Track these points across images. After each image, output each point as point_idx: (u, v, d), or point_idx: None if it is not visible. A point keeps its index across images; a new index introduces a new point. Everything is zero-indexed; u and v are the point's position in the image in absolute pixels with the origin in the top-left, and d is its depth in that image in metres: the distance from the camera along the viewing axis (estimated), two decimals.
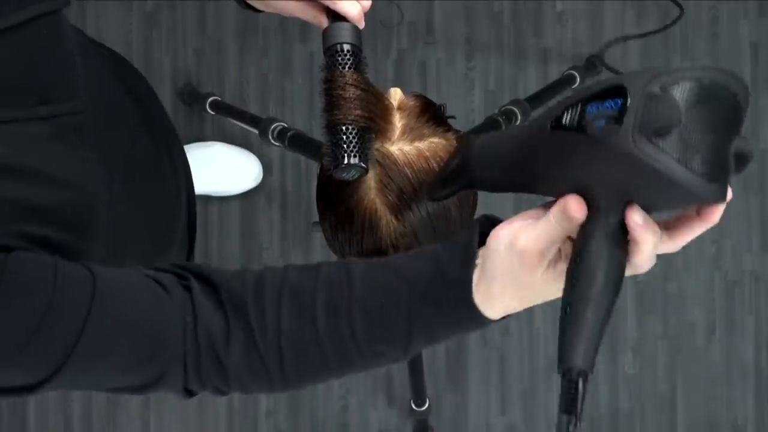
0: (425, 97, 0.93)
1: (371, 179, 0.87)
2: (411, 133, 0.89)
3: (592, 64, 1.89)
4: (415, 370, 1.71)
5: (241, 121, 1.76)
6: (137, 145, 0.93)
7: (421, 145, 0.89)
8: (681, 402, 1.94)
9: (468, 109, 1.94)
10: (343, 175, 0.82)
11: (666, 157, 0.55)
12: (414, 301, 0.69)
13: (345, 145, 0.80)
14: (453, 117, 0.96)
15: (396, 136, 0.88)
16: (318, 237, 1.91)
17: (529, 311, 1.93)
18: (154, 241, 0.95)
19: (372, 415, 1.94)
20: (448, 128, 0.92)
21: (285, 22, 1.90)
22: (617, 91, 0.57)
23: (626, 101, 0.56)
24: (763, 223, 1.94)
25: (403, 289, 0.70)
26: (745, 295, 1.94)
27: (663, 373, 1.94)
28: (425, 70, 1.94)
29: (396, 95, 0.92)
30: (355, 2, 0.84)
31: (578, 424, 0.61)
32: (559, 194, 0.63)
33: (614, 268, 0.61)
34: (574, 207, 0.61)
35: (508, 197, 1.93)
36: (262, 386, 0.74)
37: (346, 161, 0.80)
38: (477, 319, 0.69)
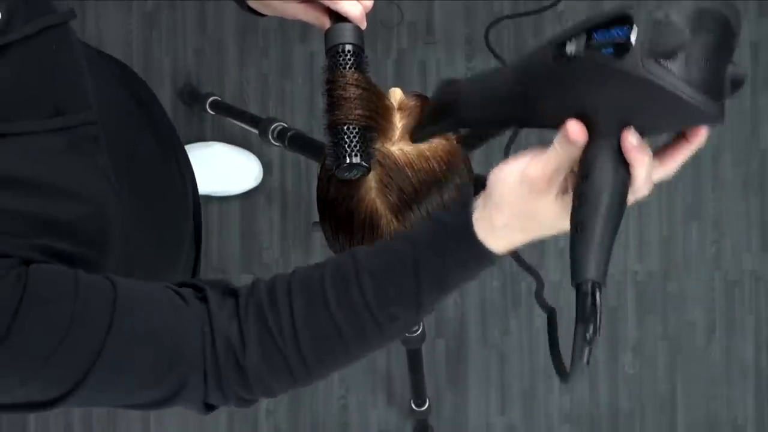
0: (426, 97, 0.93)
1: (372, 179, 0.87)
2: None
3: None
4: (415, 369, 1.71)
5: (241, 121, 1.76)
6: (145, 152, 0.93)
7: (422, 145, 0.89)
8: (681, 402, 1.94)
9: None
10: (345, 174, 0.82)
11: (673, 77, 0.58)
12: (419, 252, 0.71)
13: (347, 145, 0.80)
14: None
15: (397, 136, 0.89)
16: (318, 237, 1.91)
17: (529, 311, 1.93)
18: (163, 248, 0.95)
19: (372, 415, 1.94)
20: None
21: (285, 22, 1.90)
22: (622, 20, 0.60)
23: (632, 28, 0.59)
24: (763, 223, 1.94)
25: (406, 247, 0.72)
26: (745, 295, 1.94)
27: (663, 373, 1.94)
28: (425, 70, 1.94)
29: (396, 95, 0.92)
30: (357, 2, 0.85)
31: (597, 333, 0.67)
32: (559, 125, 0.65)
33: (619, 186, 0.65)
34: (575, 131, 0.63)
35: None
36: (283, 381, 0.74)
37: (348, 161, 0.80)
38: (482, 254, 0.70)
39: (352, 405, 1.94)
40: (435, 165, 0.88)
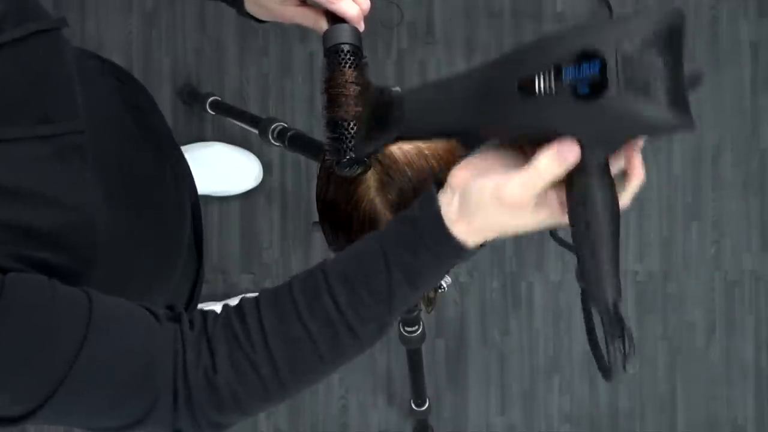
0: None
1: (371, 178, 0.87)
2: None
3: None
4: (415, 369, 1.71)
5: (241, 121, 1.76)
6: (138, 162, 0.91)
7: (421, 143, 0.89)
8: (681, 402, 1.94)
9: None
10: (345, 170, 0.82)
11: (654, 106, 0.60)
12: (389, 251, 0.71)
13: (347, 140, 0.80)
14: None
15: None
16: (318, 237, 1.91)
17: (529, 311, 1.93)
18: (158, 257, 0.94)
19: (372, 415, 1.94)
20: None
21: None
22: (589, 54, 0.61)
23: (602, 63, 0.61)
24: (763, 223, 1.94)
25: (375, 247, 0.71)
26: (745, 295, 1.94)
27: (663, 373, 1.94)
28: (425, 70, 1.94)
29: None
30: (354, 4, 0.85)
31: (632, 346, 0.73)
32: (519, 143, 0.68)
33: (614, 205, 0.68)
34: (571, 154, 0.65)
35: None
36: (256, 395, 0.72)
37: (348, 156, 0.80)
38: (457, 247, 0.70)
39: (352, 405, 1.94)
40: (434, 163, 0.88)
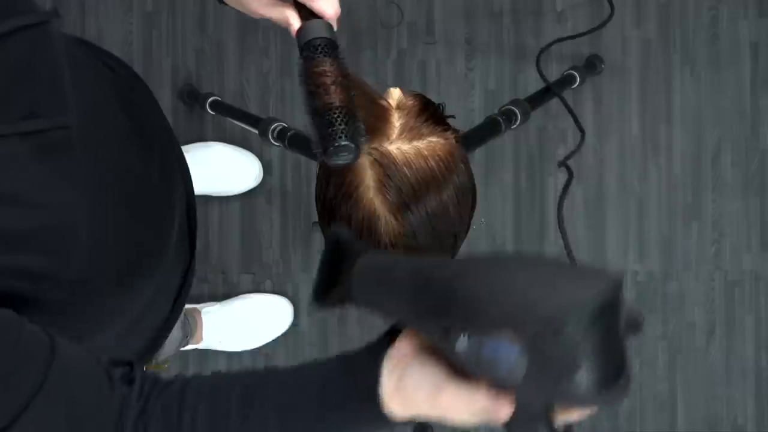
0: (424, 97, 0.94)
1: (370, 178, 0.87)
2: (410, 133, 0.89)
3: (591, 64, 1.89)
4: None
5: (241, 121, 1.76)
6: (127, 159, 0.90)
7: (420, 144, 0.89)
8: (681, 402, 1.94)
9: (468, 109, 1.94)
10: (335, 158, 0.80)
11: (582, 393, 0.57)
12: (325, 400, 0.70)
13: (334, 126, 0.79)
14: (452, 117, 0.96)
15: (395, 136, 0.89)
16: (318, 237, 1.91)
17: None
18: (141, 256, 0.93)
19: None
20: (447, 127, 0.93)
21: None
22: (509, 335, 0.58)
23: (523, 350, 0.57)
24: (763, 223, 1.94)
25: (314, 391, 0.70)
26: (745, 295, 1.94)
27: (663, 373, 1.94)
28: (425, 70, 1.94)
29: (395, 95, 0.92)
30: (333, 3, 0.85)
31: None
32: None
33: None
34: (503, 412, 0.63)
35: (508, 198, 1.93)
36: None
37: (336, 143, 0.79)
38: (383, 419, 0.69)
39: None
40: (433, 164, 0.88)
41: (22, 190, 0.70)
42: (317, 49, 0.83)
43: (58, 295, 0.75)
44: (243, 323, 1.88)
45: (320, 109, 0.80)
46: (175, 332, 1.29)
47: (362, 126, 0.81)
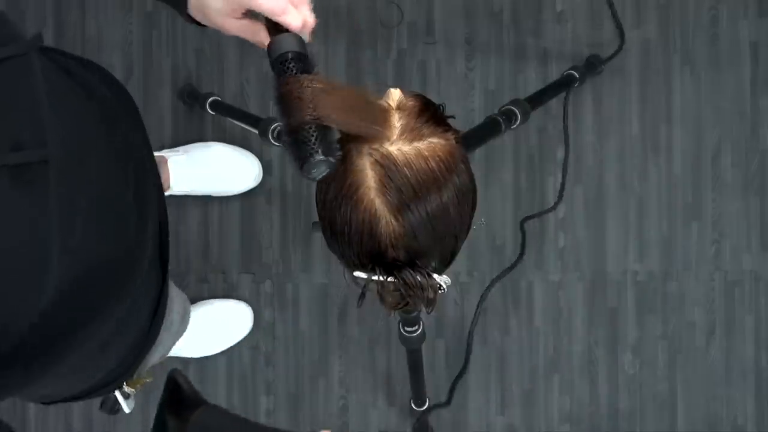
0: (424, 97, 0.94)
1: (371, 179, 0.87)
2: (410, 133, 0.89)
3: (591, 64, 1.89)
4: (415, 369, 1.71)
5: (241, 121, 1.76)
6: (104, 186, 0.88)
7: (420, 145, 0.89)
8: (681, 402, 1.94)
9: (468, 109, 1.94)
10: (313, 173, 0.82)
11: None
12: None
13: (309, 143, 0.81)
14: (452, 117, 0.96)
15: (395, 136, 0.89)
16: (318, 237, 1.91)
17: (530, 311, 1.93)
18: (112, 281, 0.91)
19: (372, 415, 1.94)
20: (448, 128, 0.93)
21: None
22: None
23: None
24: (763, 223, 1.94)
25: None
26: (745, 295, 1.94)
27: (663, 373, 1.94)
28: (425, 70, 1.94)
29: (395, 96, 0.92)
30: (298, 14, 0.86)
31: None
32: None
33: None
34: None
35: (508, 198, 1.93)
36: None
37: (311, 159, 0.80)
38: None
39: (352, 405, 1.94)
40: (434, 165, 0.88)
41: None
42: (286, 64, 0.85)
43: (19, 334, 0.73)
44: (203, 330, 1.88)
45: (292, 127, 0.81)
46: (176, 323, 1.28)
47: (335, 139, 0.83)
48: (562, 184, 1.82)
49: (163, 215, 1.09)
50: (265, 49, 0.88)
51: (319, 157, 0.81)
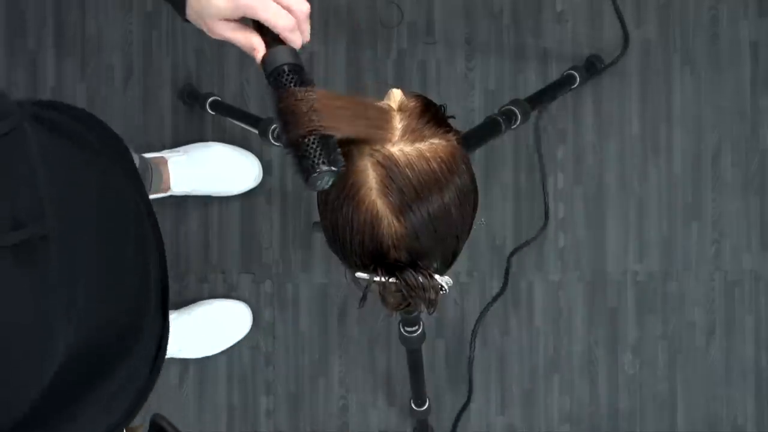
0: (425, 98, 0.94)
1: (372, 180, 0.87)
2: (412, 134, 0.89)
3: (591, 64, 1.89)
4: (415, 369, 1.71)
5: (241, 121, 1.76)
6: (103, 248, 0.87)
7: (422, 146, 0.89)
8: (681, 402, 1.94)
9: (468, 109, 1.94)
10: (318, 184, 0.83)
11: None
12: None
13: (311, 156, 0.81)
14: (453, 117, 0.96)
15: (396, 137, 0.89)
16: (318, 237, 1.91)
17: (530, 311, 1.93)
18: (119, 339, 0.91)
19: (372, 415, 1.94)
20: (449, 129, 0.93)
21: None
22: None
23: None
24: (763, 223, 1.94)
25: None
26: (745, 295, 1.94)
27: (663, 373, 1.94)
28: (425, 70, 1.94)
29: (396, 96, 0.92)
30: (286, 14, 0.87)
31: None
32: None
33: None
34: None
35: (508, 198, 1.93)
36: None
37: (317, 170, 0.81)
38: None
39: (352, 405, 1.94)
40: (435, 165, 0.88)
41: (3, 301, 0.68)
42: (282, 76, 0.86)
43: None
44: (201, 330, 1.88)
45: (293, 141, 0.82)
46: None
47: (337, 147, 0.83)
48: (545, 204, 1.85)
49: (162, 256, 1.09)
50: (255, 58, 0.89)
51: (323, 168, 0.81)
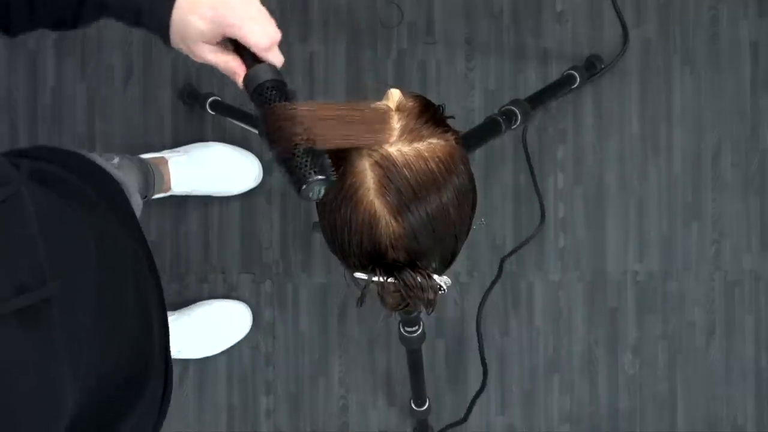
0: (424, 98, 0.94)
1: (370, 180, 0.87)
2: (410, 134, 0.89)
3: (591, 64, 1.89)
4: (415, 369, 1.71)
5: (241, 121, 1.76)
6: (104, 301, 0.86)
7: (420, 146, 0.89)
8: (681, 402, 1.94)
9: (468, 109, 1.94)
10: (311, 195, 0.84)
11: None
12: None
13: (300, 169, 0.82)
14: (452, 117, 0.96)
15: (395, 138, 0.89)
16: (318, 237, 1.91)
17: (530, 311, 1.93)
18: (127, 388, 0.91)
19: (372, 415, 1.95)
20: (447, 129, 0.93)
21: (285, 22, 1.90)
22: None
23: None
24: (763, 223, 1.94)
25: None
26: (745, 295, 1.94)
27: (663, 373, 1.94)
28: (425, 70, 1.94)
29: (395, 96, 0.92)
30: (262, 31, 0.89)
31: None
32: None
33: None
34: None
35: (508, 198, 1.93)
36: None
37: (309, 179, 0.82)
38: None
39: (352, 405, 1.94)
40: (433, 166, 0.88)
41: (10, 368, 0.68)
42: (267, 92, 0.87)
43: None
44: (201, 330, 1.88)
45: (282, 155, 0.83)
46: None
47: (326, 156, 0.84)
48: (542, 205, 1.85)
49: (161, 297, 1.09)
50: (237, 81, 0.91)
51: (315, 177, 0.82)
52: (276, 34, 0.91)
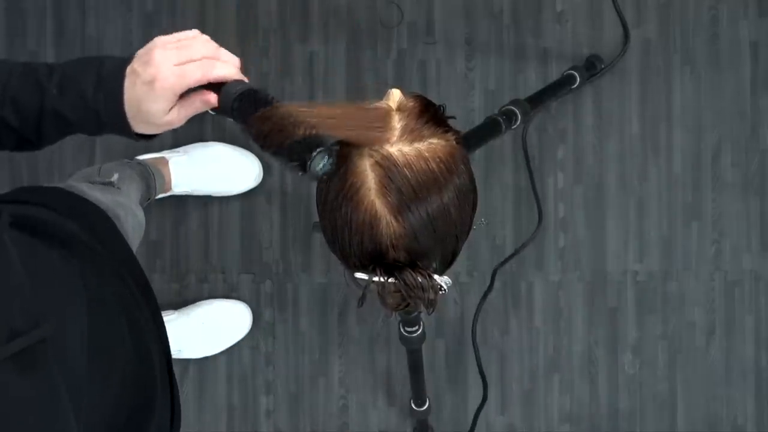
0: (425, 98, 0.94)
1: (371, 180, 0.87)
2: (410, 134, 0.89)
3: (591, 64, 1.89)
4: (415, 369, 1.71)
5: None
6: (101, 340, 0.86)
7: (421, 146, 0.89)
8: (681, 402, 1.94)
9: (468, 109, 1.94)
10: (318, 168, 0.84)
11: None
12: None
13: (296, 150, 0.83)
14: (453, 117, 0.96)
15: (395, 138, 0.89)
16: (318, 237, 1.91)
17: (530, 311, 1.93)
18: (129, 421, 0.91)
19: (372, 415, 1.95)
20: (448, 129, 0.93)
21: (285, 22, 1.90)
22: None
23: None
24: (762, 223, 1.94)
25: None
26: (745, 295, 1.94)
27: (663, 373, 1.94)
28: (425, 70, 1.94)
29: (395, 96, 0.92)
30: (227, 64, 0.94)
31: None
32: None
33: None
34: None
35: (508, 198, 1.93)
36: None
37: (311, 153, 0.82)
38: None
39: (352, 405, 1.94)
40: (434, 166, 0.88)
41: (11, 411, 0.68)
42: (242, 105, 0.89)
43: None
44: (201, 330, 1.88)
45: (277, 152, 0.84)
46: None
47: (318, 134, 0.84)
48: (539, 208, 1.85)
49: (159, 322, 1.08)
50: (210, 110, 0.93)
51: (316, 150, 0.82)
52: (234, 58, 0.95)
